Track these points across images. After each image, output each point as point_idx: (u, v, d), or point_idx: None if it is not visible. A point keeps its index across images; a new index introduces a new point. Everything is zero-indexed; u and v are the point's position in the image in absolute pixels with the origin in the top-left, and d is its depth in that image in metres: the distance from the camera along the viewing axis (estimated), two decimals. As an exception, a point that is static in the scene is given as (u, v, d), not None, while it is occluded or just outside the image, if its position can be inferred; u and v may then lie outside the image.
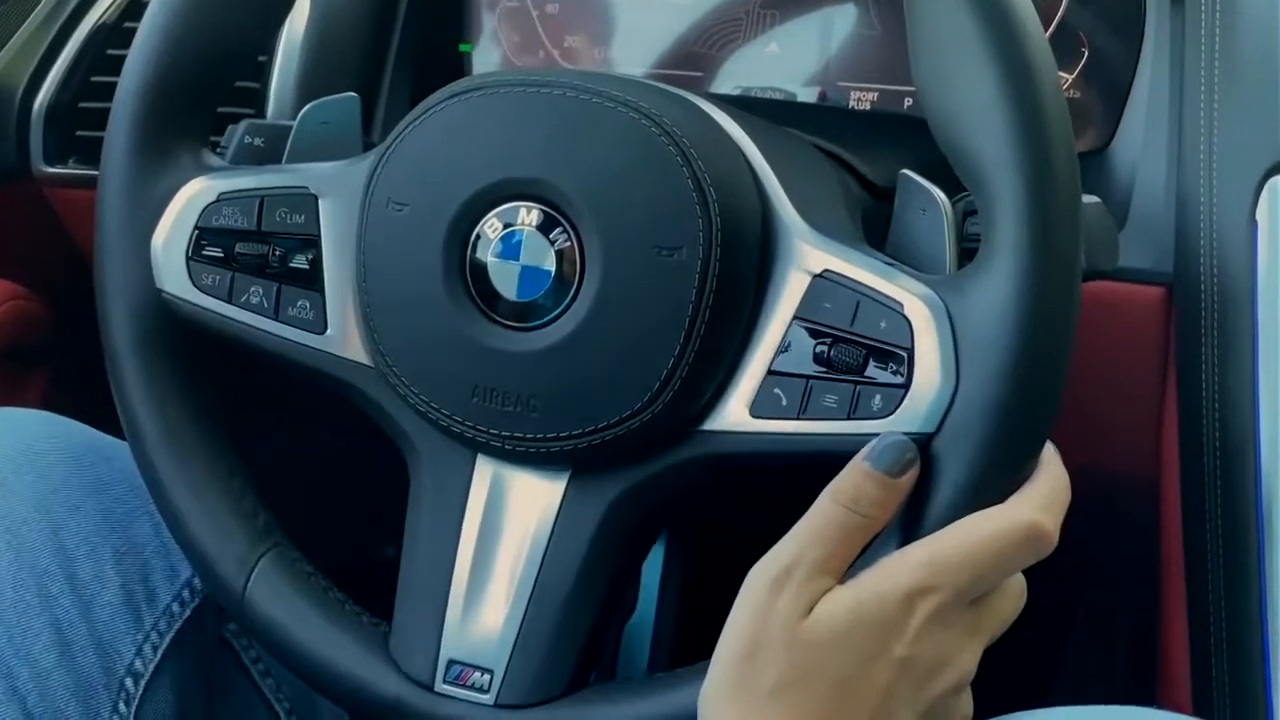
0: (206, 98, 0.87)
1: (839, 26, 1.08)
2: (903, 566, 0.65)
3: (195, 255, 0.84)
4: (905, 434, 0.70)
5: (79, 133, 1.17)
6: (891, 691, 0.64)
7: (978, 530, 0.66)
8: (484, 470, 0.81)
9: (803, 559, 0.66)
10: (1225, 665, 0.87)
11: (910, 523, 0.71)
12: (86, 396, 0.98)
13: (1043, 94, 0.71)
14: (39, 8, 1.19)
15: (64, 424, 0.91)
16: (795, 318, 0.74)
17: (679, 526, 1.32)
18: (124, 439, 0.89)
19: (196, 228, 0.84)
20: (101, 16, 1.18)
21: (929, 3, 0.73)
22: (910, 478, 0.68)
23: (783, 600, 0.65)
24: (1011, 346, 0.69)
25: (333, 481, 0.99)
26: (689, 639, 1.16)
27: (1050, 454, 0.69)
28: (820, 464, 0.74)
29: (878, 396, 0.71)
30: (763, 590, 0.66)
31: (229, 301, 0.84)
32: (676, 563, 1.31)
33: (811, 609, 0.65)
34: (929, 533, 0.68)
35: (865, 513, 0.67)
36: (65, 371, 1.26)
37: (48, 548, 0.84)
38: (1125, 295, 0.93)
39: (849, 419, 0.72)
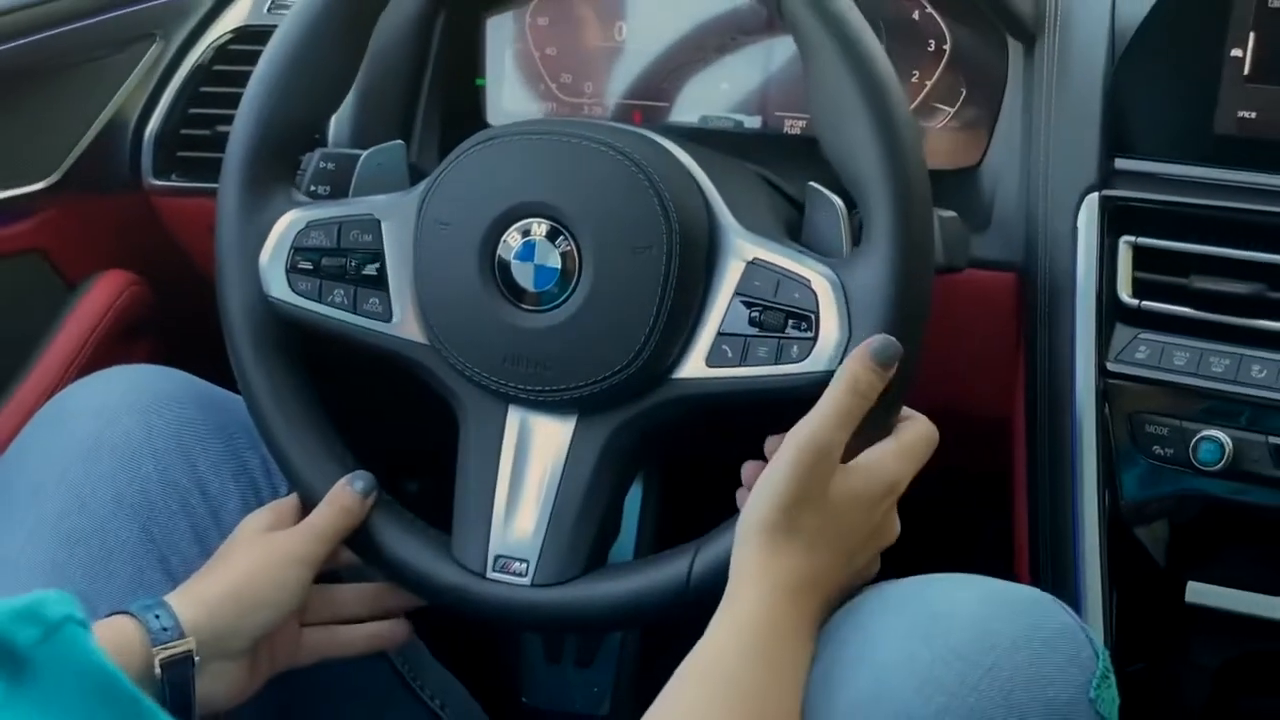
0: (293, 151, 0.98)
1: (776, 67, 1.18)
2: (884, 463, 0.80)
3: (292, 268, 0.94)
4: (813, 372, 0.82)
5: (180, 153, 1.27)
6: (868, 537, 0.81)
7: (916, 438, 0.82)
8: (514, 417, 0.92)
9: (834, 438, 0.78)
10: (1049, 542, 1.03)
11: None
12: (182, 357, 1.07)
13: (901, 132, 0.83)
14: (147, 55, 1.27)
15: (189, 378, 1.01)
16: (735, 293, 0.86)
17: (652, 471, 1.40)
18: (228, 390, 1.00)
19: (292, 248, 0.94)
20: (197, 60, 1.28)
21: (820, 63, 0.84)
22: (893, 371, 0.80)
23: (820, 468, 0.78)
24: (886, 305, 0.82)
25: (378, 434, 1.06)
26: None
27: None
28: (757, 400, 0.86)
29: (795, 347, 0.84)
30: (808, 457, 0.77)
31: (319, 301, 0.94)
32: (651, 501, 1.39)
33: (832, 478, 0.78)
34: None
35: (867, 397, 0.80)
36: (164, 340, 1.33)
37: (185, 470, 0.95)
38: (987, 280, 1.05)
39: (776, 364, 0.84)
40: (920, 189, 0.83)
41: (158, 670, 0.80)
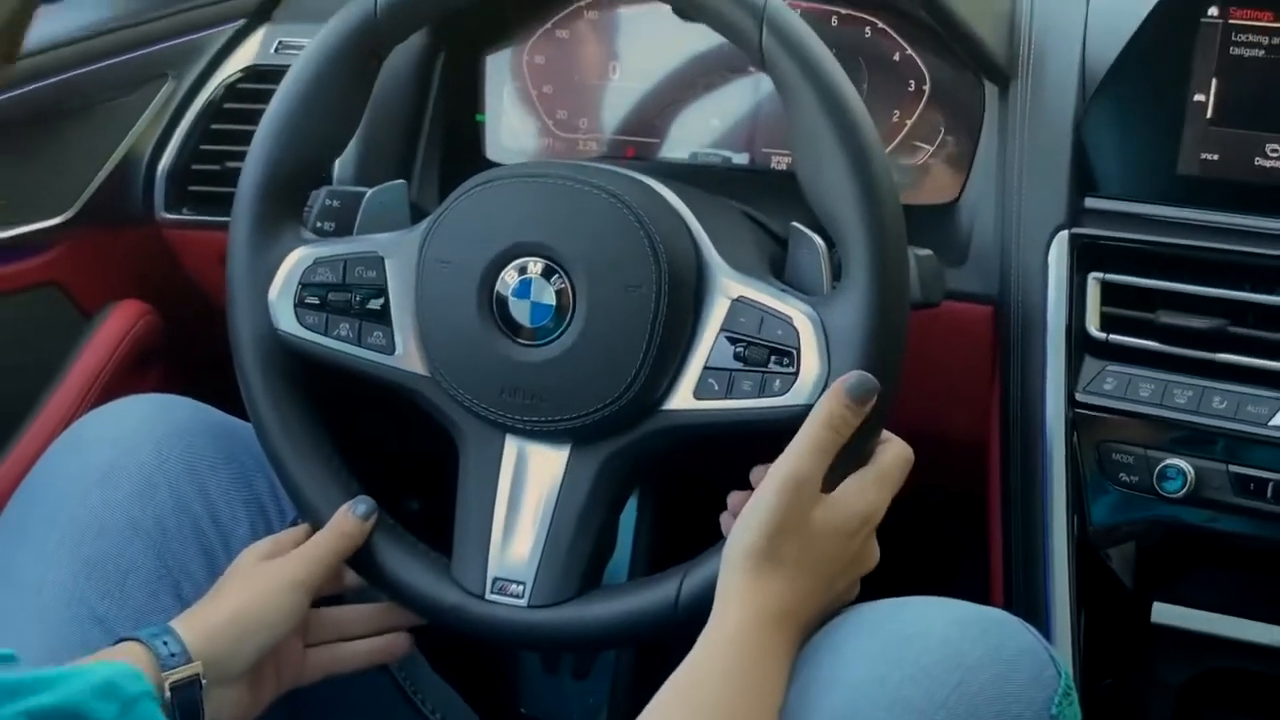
0: (301, 190, 1.00)
1: (763, 105, 1.21)
2: (864, 492, 0.83)
3: (300, 303, 0.96)
4: (794, 406, 0.84)
5: (190, 188, 1.29)
6: (848, 564, 0.83)
7: (893, 463, 0.85)
8: (511, 445, 0.94)
9: (813, 470, 0.81)
10: (1022, 564, 1.05)
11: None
12: (193, 385, 1.09)
13: (876, 176, 0.85)
14: (160, 94, 1.29)
15: (201, 407, 1.03)
16: (721, 330, 0.88)
17: (646, 490, 1.43)
18: (236, 418, 1.02)
19: (300, 283, 0.96)
20: (208, 98, 1.30)
21: (798, 108, 0.86)
22: (869, 405, 0.83)
23: (801, 499, 0.80)
24: (863, 342, 0.84)
25: (380, 457, 1.08)
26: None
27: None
28: (741, 431, 0.88)
29: (777, 381, 0.86)
30: (790, 489, 0.80)
31: (325, 334, 0.96)
32: (646, 518, 1.42)
33: (813, 508, 0.81)
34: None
35: (841, 431, 0.82)
36: (176, 367, 1.34)
37: (197, 497, 0.97)
38: (964, 312, 1.07)
39: (760, 397, 0.86)
40: (895, 230, 0.86)
41: (168, 694, 0.83)
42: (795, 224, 0.92)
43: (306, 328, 0.97)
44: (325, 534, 0.95)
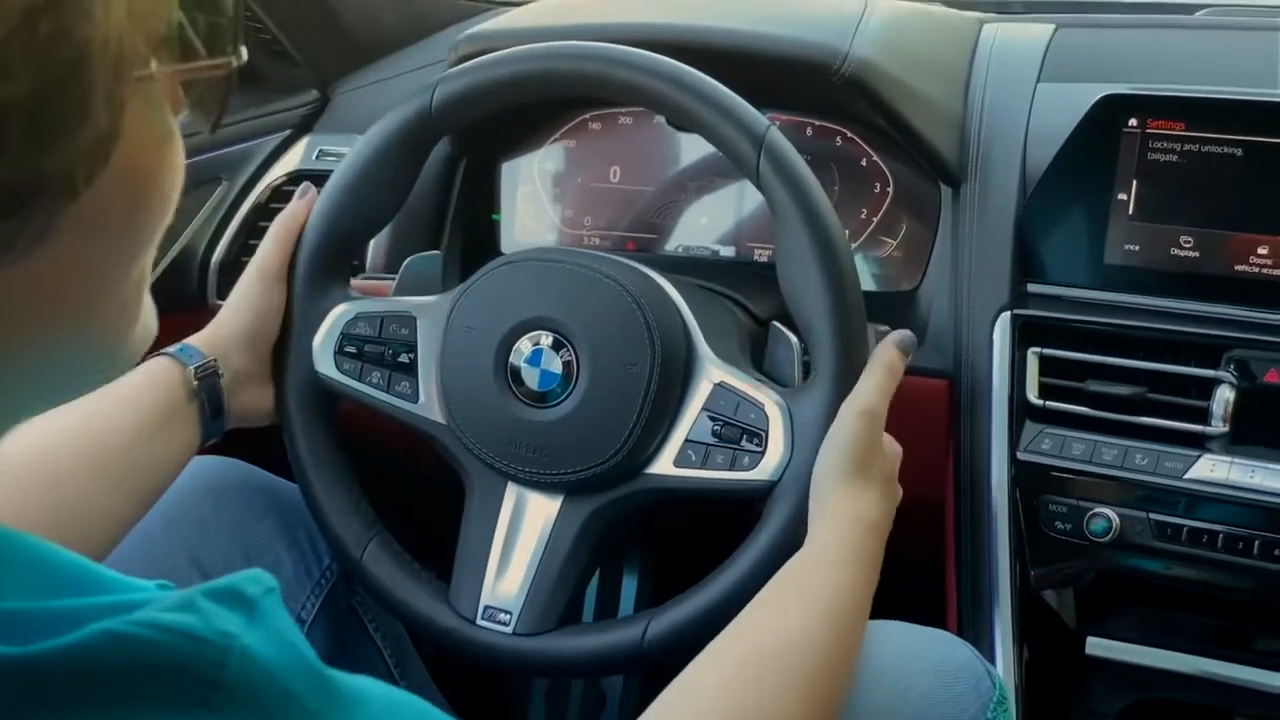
0: (348, 256, 1.06)
1: (748, 205, 1.28)
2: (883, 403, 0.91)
3: (339, 350, 1.01)
4: (759, 481, 0.90)
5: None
6: (888, 462, 0.91)
7: (884, 368, 0.92)
8: (511, 492, 0.98)
9: (881, 405, 0.89)
10: (970, 603, 1.11)
11: (760, 530, 0.90)
12: (238, 448, 1.09)
13: (848, 293, 0.91)
14: (214, 195, 1.34)
15: (248, 466, 1.08)
16: (703, 408, 0.93)
17: (646, 548, 1.50)
18: (279, 477, 1.06)
19: (341, 334, 1.01)
20: (256, 199, 1.35)
21: (786, 225, 0.92)
22: (910, 356, 0.94)
23: (876, 427, 0.89)
24: (821, 434, 0.89)
25: (393, 496, 1.11)
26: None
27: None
28: (711, 498, 0.94)
29: (747, 458, 0.91)
30: (866, 419, 0.88)
31: (358, 380, 1.01)
32: (649, 570, 1.50)
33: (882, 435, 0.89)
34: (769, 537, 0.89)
35: (895, 375, 0.91)
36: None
37: (247, 541, 1.03)
38: (923, 385, 1.12)
39: (730, 470, 0.92)
40: (859, 337, 0.92)
41: (194, 383, 0.97)
42: (775, 323, 0.98)
43: (343, 373, 1.02)
44: (275, 223, 1.07)
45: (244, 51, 0.50)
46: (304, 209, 1.06)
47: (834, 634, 0.79)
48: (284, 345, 1.03)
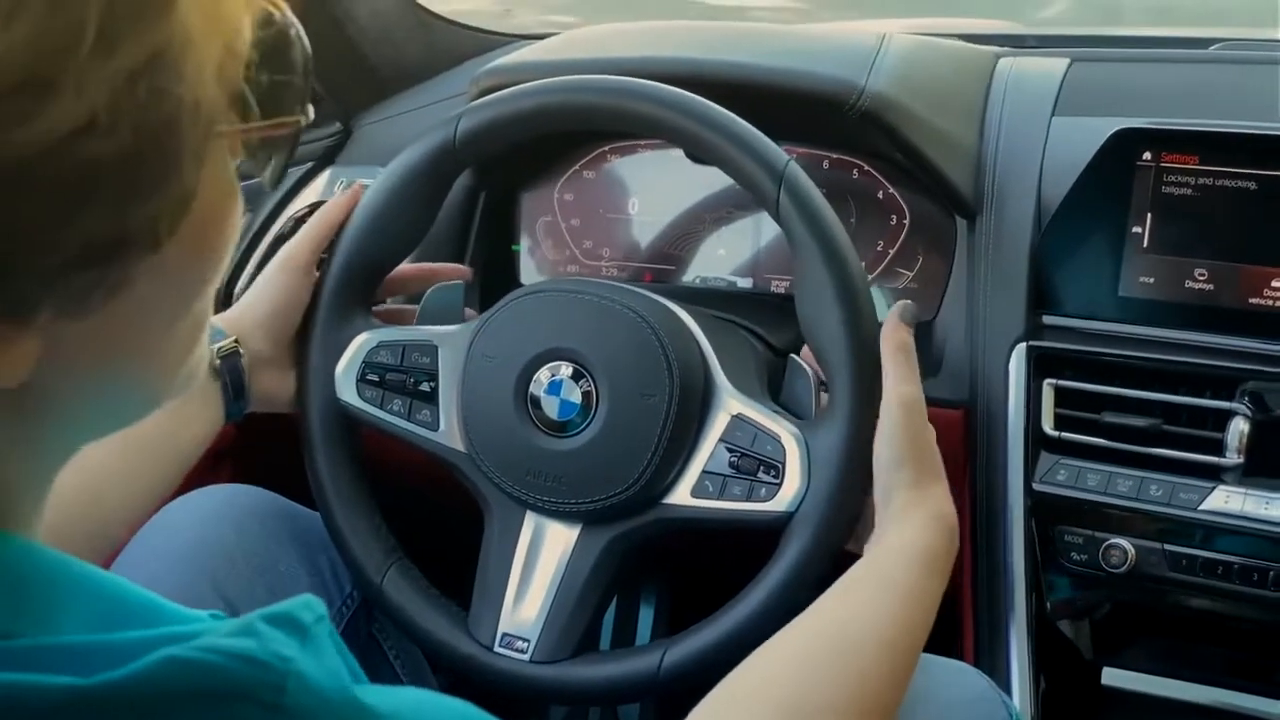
0: (371, 285, 1.06)
1: (764, 237, 1.29)
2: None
3: (361, 378, 1.02)
4: (775, 512, 0.90)
5: None
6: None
7: (896, 352, 0.91)
8: (530, 521, 0.99)
9: (917, 391, 0.89)
10: (987, 633, 1.11)
11: (777, 561, 0.90)
12: (260, 477, 1.12)
13: (866, 327, 0.91)
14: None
15: (271, 494, 1.09)
16: (720, 440, 0.94)
17: (663, 577, 1.50)
18: (300, 505, 1.07)
19: (364, 362, 1.02)
20: (279, 229, 1.35)
21: (805, 260, 0.92)
22: (914, 326, 0.92)
23: (919, 416, 0.89)
24: (840, 466, 0.90)
25: (413, 523, 1.11)
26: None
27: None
28: (728, 528, 0.93)
29: (764, 489, 0.91)
30: (905, 408, 0.88)
31: (380, 408, 1.02)
32: (665, 600, 1.50)
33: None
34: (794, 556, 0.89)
35: (909, 354, 0.90)
36: (245, 461, 1.31)
37: (271, 569, 1.03)
38: (940, 414, 1.03)
39: (747, 501, 0.92)
40: (875, 371, 0.91)
41: (216, 362, 0.99)
42: (794, 356, 0.98)
43: (365, 400, 1.03)
44: (315, 215, 1.08)
45: (310, 110, 0.52)
46: (345, 204, 1.07)
47: (905, 633, 0.81)
48: (308, 372, 1.04)
